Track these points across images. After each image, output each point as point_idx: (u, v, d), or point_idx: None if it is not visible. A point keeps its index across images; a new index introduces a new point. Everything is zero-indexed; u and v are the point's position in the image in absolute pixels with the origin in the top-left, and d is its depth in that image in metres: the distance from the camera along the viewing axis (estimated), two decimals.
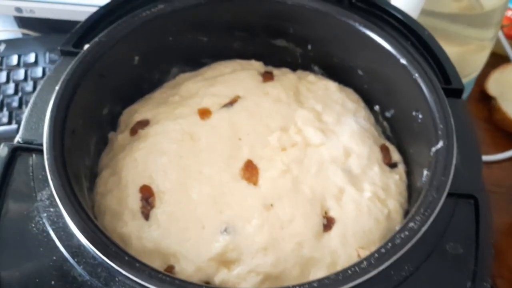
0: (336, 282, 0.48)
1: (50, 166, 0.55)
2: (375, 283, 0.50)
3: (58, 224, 0.54)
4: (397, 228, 0.64)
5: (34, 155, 0.60)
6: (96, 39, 0.69)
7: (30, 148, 0.60)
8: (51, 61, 1.22)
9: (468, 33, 1.05)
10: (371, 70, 0.78)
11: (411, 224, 0.52)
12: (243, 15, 0.80)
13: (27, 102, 1.13)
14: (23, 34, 1.35)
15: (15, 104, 1.13)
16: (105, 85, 0.72)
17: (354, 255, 0.62)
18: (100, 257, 0.49)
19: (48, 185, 0.56)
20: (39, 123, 0.63)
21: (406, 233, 0.52)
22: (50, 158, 0.56)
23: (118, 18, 0.77)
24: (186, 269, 0.60)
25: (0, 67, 1.22)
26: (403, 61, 0.69)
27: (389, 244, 0.51)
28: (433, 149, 0.60)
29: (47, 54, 1.23)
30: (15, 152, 0.60)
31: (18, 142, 0.61)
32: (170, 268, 0.61)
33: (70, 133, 0.62)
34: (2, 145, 0.60)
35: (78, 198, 0.54)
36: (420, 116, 0.67)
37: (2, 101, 1.14)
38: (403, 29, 0.79)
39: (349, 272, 0.49)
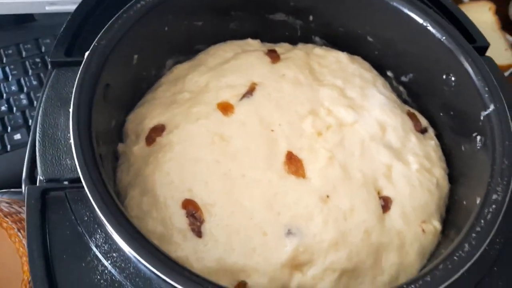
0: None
1: (100, 206, 0.47)
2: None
3: (129, 269, 0.47)
4: (447, 191, 0.65)
5: (67, 194, 0.51)
6: (95, 43, 0.59)
7: (61, 187, 0.51)
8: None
9: None
10: (384, 35, 0.75)
11: (494, 196, 0.52)
12: None
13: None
14: None
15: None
16: (111, 95, 0.62)
17: (419, 231, 0.61)
18: None
19: (100, 227, 0.49)
20: (59, 155, 0.54)
21: (494, 206, 0.51)
22: (97, 198, 0.48)
23: (106, 12, 0.67)
24: (259, 282, 0.56)
25: None
26: (426, 24, 0.67)
27: (482, 221, 0.50)
28: (483, 113, 0.60)
29: None
30: (45, 196, 0.50)
31: (41, 181, 0.52)
32: (242, 285, 0.56)
33: (99, 160, 0.53)
34: (26, 190, 0.50)
35: (142, 234, 0.47)
36: (453, 79, 0.66)
37: None
38: None
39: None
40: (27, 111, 0.93)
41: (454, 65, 0.64)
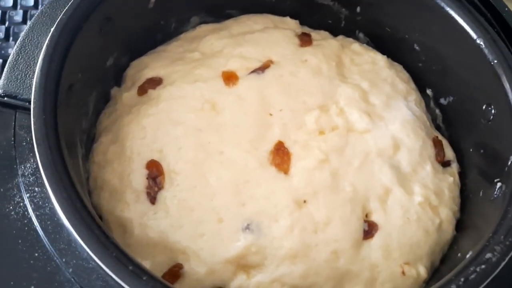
0: None
1: (38, 133, 0.43)
2: None
3: (44, 209, 0.42)
4: (449, 238, 0.55)
5: (17, 114, 0.48)
6: None
7: (14, 104, 0.48)
8: None
9: None
10: (432, 46, 0.65)
11: (488, 255, 0.42)
12: None
13: (15, 35, 0.98)
14: None
15: (0, 35, 0.98)
16: (112, 31, 0.58)
17: (397, 271, 0.52)
18: (96, 261, 0.38)
19: (34, 156, 0.44)
20: (27, 73, 0.51)
21: (483, 266, 0.41)
22: (39, 123, 0.43)
23: None
24: (196, 270, 0.50)
25: None
26: (479, 41, 0.56)
27: (461, 279, 0.41)
28: None
29: None
30: None
31: None
32: (178, 267, 0.50)
33: (66, 89, 0.49)
34: None
35: (72, 178, 0.42)
36: (493, 112, 0.55)
37: None
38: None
39: None
40: None
41: (498, 95, 0.54)
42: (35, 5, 0.94)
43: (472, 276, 0.40)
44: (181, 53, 0.66)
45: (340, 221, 0.53)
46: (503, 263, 0.41)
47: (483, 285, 0.40)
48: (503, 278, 0.44)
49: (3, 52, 0.93)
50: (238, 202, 0.53)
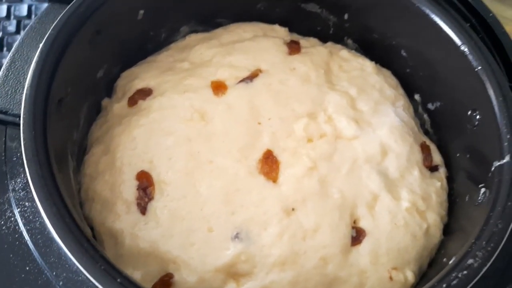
0: None
1: (27, 149, 0.44)
2: None
3: (35, 223, 0.43)
4: (437, 242, 0.56)
5: (8, 129, 0.48)
6: None
7: (4, 120, 0.48)
8: None
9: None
10: (419, 52, 0.65)
11: (470, 261, 0.43)
12: None
13: (9, 45, 0.98)
14: None
15: None
16: (102, 44, 0.59)
17: (385, 277, 0.53)
18: (85, 274, 0.39)
19: (25, 171, 0.45)
20: (17, 88, 0.51)
21: (465, 272, 0.42)
22: (28, 139, 0.44)
23: None
24: (187, 279, 0.51)
25: None
26: (464, 48, 0.57)
27: (444, 286, 0.41)
28: (496, 164, 0.50)
29: None
30: None
31: None
32: (169, 277, 0.51)
33: (56, 103, 0.50)
34: None
35: (61, 193, 0.43)
36: (478, 117, 0.56)
37: None
38: (460, 5, 0.67)
39: None
40: None
41: (482, 101, 0.55)
42: (28, 15, 0.95)
43: (454, 282, 0.41)
44: (171, 63, 0.67)
45: (329, 227, 0.53)
46: (484, 269, 0.42)
47: None
48: (488, 278, 0.44)
49: None
50: (228, 211, 0.53)
